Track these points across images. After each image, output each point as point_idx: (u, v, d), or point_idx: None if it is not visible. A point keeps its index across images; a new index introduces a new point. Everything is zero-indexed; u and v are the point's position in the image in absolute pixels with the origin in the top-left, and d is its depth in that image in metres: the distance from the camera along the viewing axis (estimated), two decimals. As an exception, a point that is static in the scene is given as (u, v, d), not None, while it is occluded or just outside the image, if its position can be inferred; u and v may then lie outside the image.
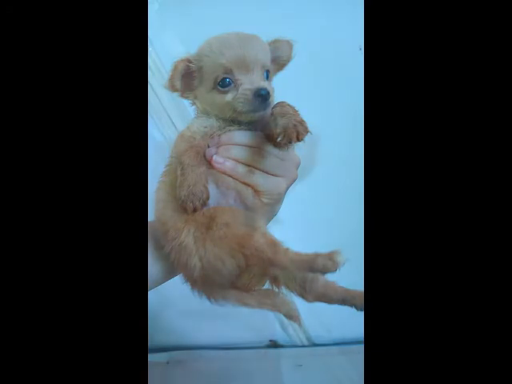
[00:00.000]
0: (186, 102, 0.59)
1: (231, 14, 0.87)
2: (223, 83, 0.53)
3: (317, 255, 0.39)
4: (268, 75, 0.56)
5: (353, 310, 0.52)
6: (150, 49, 0.87)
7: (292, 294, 0.56)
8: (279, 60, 0.61)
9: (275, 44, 0.59)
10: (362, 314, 0.35)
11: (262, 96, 0.51)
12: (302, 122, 0.49)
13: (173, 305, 1.02)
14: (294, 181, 0.57)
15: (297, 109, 0.51)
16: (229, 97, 0.53)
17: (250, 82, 0.52)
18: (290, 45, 0.60)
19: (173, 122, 0.96)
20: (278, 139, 0.49)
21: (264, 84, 0.53)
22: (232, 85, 0.53)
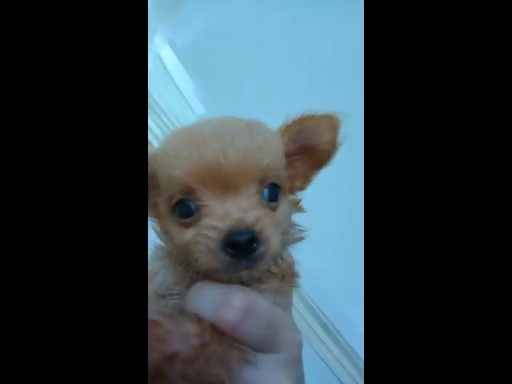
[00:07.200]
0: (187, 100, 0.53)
1: (230, 14, 0.87)
2: (181, 209, 0.32)
3: None
4: (274, 193, 0.33)
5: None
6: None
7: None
8: (315, 150, 0.37)
9: (302, 125, 0.36)
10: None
11: (238, 246, 0.29)
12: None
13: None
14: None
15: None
16: (189, 234, 0.31)
17: (222, 211, 0.30)
18: (332, 123, 0.36)
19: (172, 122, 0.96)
20: None
21: (249, 218, 0.29)
22: (196, 213, 0.31)
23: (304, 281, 0.39)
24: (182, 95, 0.99)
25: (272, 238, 0.30)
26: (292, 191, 0.38)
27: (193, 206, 0.31)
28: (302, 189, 0.39)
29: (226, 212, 0.30)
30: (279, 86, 0.85)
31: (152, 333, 0.29)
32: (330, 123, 0.36)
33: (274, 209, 0.33)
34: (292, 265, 0.38)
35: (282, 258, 0.37)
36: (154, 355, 0.29)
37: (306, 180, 0.39)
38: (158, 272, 0.36)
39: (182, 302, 0.34)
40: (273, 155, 0.33)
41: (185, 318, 0.32)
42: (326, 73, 0.85)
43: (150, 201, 0.35)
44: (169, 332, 0.30)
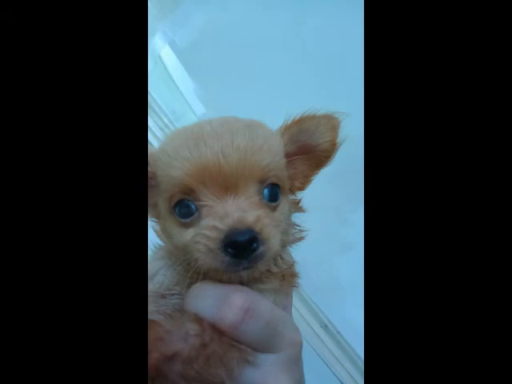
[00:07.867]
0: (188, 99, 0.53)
1: (230, 14, 0.87)
2: (181, 209, 0.32)
3: None
4: (274, 193, 0.33)
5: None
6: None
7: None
8: (315, 150, 0.37)
9: (302, 125, 0.36)
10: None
11: (238, 246, 0.28)
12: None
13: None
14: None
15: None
16: (189, 234, 0.32)
17: (222, 211, 0.30)
18: (332, 123, 0.36)
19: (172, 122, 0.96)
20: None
21: (249, 218, 0.29)
22: (196, 213, 0.31)
23: (304, 281, 0.39)
24: (181, 95, 0.99)
25: (272, 238, 0.30)
26: (292, 191, 0.39)
27: (193, 206, 0.32)
28: (301, 189, 0.40)
29: (225, 212, 0.30)
30: (279, 86, 0.85)
31: (152, 333, 0.29)
32: (330, 123, 0.37)
33: (273, 209, 0.34)
34: (292, 265, 0.38)
35: (281, 258, 0.37)
36: (153, 355, 0.29)
37: (305, 180, 0.39)
38: (158, 272, 0.36)
39: (181, 302, 0.34)
40: (273, 155, 0.33)
41: (185, 317, 0.32)
42: (326, 73, 0.85)
43: (150, 201, 0.35)
44: (169, 332, 0.30)
